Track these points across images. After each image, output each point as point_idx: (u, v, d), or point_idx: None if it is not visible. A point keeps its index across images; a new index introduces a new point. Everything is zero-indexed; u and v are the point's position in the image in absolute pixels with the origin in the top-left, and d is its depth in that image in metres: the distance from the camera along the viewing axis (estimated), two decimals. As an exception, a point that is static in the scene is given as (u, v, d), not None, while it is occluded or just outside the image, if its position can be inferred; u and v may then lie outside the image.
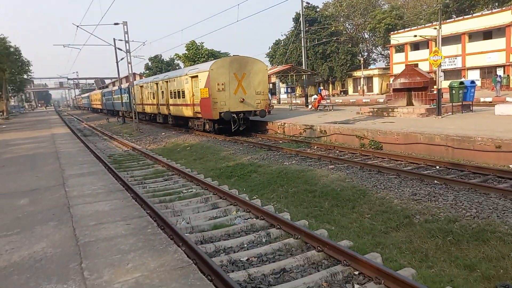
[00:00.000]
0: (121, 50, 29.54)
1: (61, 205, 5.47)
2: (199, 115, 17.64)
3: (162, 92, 22.51)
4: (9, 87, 53.25)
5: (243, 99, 16.55)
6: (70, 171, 8.13)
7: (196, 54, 37.40)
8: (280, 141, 15.46)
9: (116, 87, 30.95)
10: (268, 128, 18.37)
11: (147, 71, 56.16)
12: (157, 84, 23.55)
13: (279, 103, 32.34)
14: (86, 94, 74.88)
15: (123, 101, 34.65)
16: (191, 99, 17.97)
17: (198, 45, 38.30)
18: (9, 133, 20.49)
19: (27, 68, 49.25)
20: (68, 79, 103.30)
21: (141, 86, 28.31)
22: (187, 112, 19.14)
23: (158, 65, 53.60)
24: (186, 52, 37.87)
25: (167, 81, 21.71)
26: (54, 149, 12.14)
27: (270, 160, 11.69)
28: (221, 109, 16.39)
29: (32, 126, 25.53)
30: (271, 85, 33.99)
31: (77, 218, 4.80)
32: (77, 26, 26.95)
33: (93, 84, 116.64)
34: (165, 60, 55.51)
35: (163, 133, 22.11)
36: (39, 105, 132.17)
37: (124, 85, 32.43)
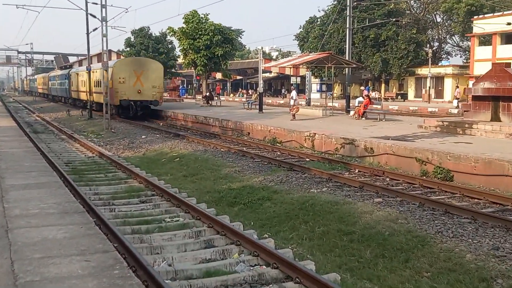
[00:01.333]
0: (94, 17, 30.17)
1: (-4, 227, 5.52)
2: (108, 100, 27.09)
3: (84, 81, 34.04)
4: None
5: (140, 90, 28.89)
6: (12, 180, 8.24)
7: (197, 29, 37.79)
8: (307, 159, 15.48)
9: (93, 66, 35.38)
10: (290, 140, 18.51)
11: (128, 49, 56.83)
12: (79, 74, 35.87)
13: (309, 105, 32.36)
14: (36, 76, 79.44)
15: (64, 87, 46.99)
16: (104, 89, 27.33)
17: (201, 18, 38.73)
18: None
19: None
20: (19, 52, 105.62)
21: (77, 74, 40.21)
22: (98, 98, 30.77)
23: (143, 41, 54.16)
24: (184, 25, 38.31)
25: (93, 71, 33.40)
26: (-8, 148, 12.34)
27: (291, 184, 11.69)
28: (121, 97, 28.95)
29: (-35, 114, 26.09)
30: (298, 79, 34.18)
31: (17, 247, 4.82)
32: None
33: (52, 61, 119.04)
34: (153, 34, 56.21)
35: (143, 136, 22.39)
36: None
37: (96, 65, 34.35)
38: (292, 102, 24.90)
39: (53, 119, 33.38)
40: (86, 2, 31.54)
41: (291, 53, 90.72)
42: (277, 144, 18.81)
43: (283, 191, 10.90)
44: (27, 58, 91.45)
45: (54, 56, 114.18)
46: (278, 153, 16.93)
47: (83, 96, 37.35)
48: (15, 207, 6.47)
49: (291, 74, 40.96)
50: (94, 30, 34.85)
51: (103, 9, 26.12)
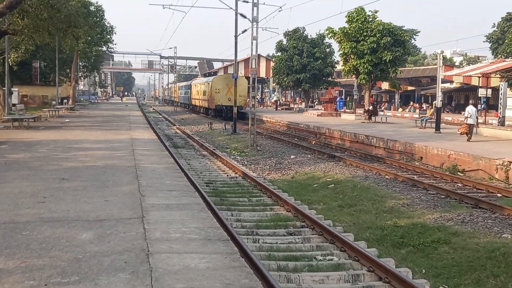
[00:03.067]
0: (245, 17, 31.98)
1: (137, 250, 6.13)
2: (207, 105, 50.50)
3: (199, 90, 56.06)
4: (80, 64, 62.16)
5: (230, 98, 42.06)
6: (153, 199, 9.06)
7: (361, 29, 37.77)
8: (499, 194, 14.61)
9: (201, 80, 55.97)
10: (475, 168, 17.58)
11: (279, 53, 59.02)
12: (196, 85, 58.90)
13: (503, 124, 30.40)
14: (171, 85, 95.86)
15: (187, 95, 69.62)
16: (207, 96, 48.75)
17: (368, 16, 38.69)
18: (73, 131, 23.90)
19: (108, 37, 56.75)
20: (162, 57, 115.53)
21: (195, 85, 62.08)
22: (205, 104, 53.11)
23: (297, 45, 55.76)
24: (346, 25, 38.59)
25: (201, 84, 55.82)
26: (133, 162, 13.71)
27: (477, 225, 11.13)
28: (217, 103, 47.88)
29: (105, 124, 29.27)
30: (488, 91, 32.30)
31: (158, 274, 5.30)
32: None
33: (196, 67, 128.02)
34: (309, 36, 57.59)
35: (292, 156, 22.98)
36: (115, 93, 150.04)
37: (199, 79, 48.62)
38: (468, 120, 24.01)
39: (194, 132, 35.83)
40: (236, 1, 33.50)
41: (480, 58, 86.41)
42: (459, 173, 17.99)
43: (465, 234, 10.40)
44: (169, 63, 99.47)
45: (198, 61, 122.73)
46: (460, 184, 16.20)
47: (198, 103, 60.56)
48: (156, 229, 7.10)
49: (479, 85, 38.88)
50: (243, 32, 37.03)
51: (255, 8, 27.48)
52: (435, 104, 31.45)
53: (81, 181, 10.62)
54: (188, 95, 68.41)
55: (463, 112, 28.31)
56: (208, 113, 53.43)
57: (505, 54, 49.91)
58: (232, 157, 23.27)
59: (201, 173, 18.00)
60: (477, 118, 25.30)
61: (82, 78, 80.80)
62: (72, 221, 7.43)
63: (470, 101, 29.12)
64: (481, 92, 32.84)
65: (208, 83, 50.85)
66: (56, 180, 10.67)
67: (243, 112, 45.28)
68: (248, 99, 43.12)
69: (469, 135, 23.79)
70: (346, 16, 39.09)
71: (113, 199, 8.99)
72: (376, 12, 39.39)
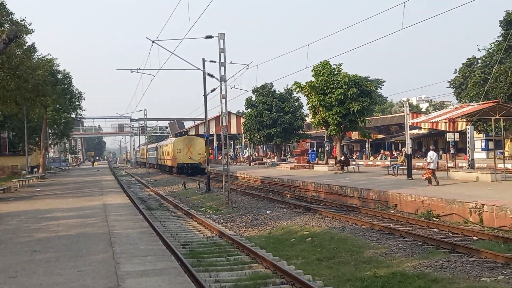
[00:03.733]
0: (213, 77, 32.38)
1: (113, 321, 5.96)
2: (171, 164, 57.46)
3: (164, 151, 62.82)
4: (50, 131, 61.80)
5: (190, 157, 54.80)
6: (128, 266, 8.88)
7: (328, 82, 38.46)
8: (474, 237, 14.68)
9: (166, 142, 63.96)
10: (449, 212, 17.71)
11: (249, 109, 59.58)
12: (161, 146, 66.80)
13: (472, 167, 30.85)
14: (140, 147, 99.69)
15: (154, 156, 76.22)
16: (170, 156, 56.73)
17: (333, 69, 39.48)
18: (44, 200, 23.51)
19: (77, 103, 56.76)
20: (132, 120, 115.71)
21: (161, 146, 68.29)
22: (169, 163, 59.50)
23: (266, 100, 56.47)
24: (313, 79, 39.26)
25: (164, 146, 64.04)
26: (106, 229, 13.49)
27: (455, 270, 11.12)
28: (178, 161, 55.23)
29: (77, 191, 28.87)
30: (455, 135, 32.96)
31: None
32: (152, 42, 30.66)
33: (167, 128, 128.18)
34: (277, 91, 58.42)
35: (268, 211, 22.90)
36: (86, 158, 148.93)
37: (166, 141, 62.62)
38: (430, 165, 24.63)
39: (168, 193, 35.56)
40: (204, 62, 34.02)
41: (445, 103, 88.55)
42: (434, 218, 18.10)
43: (445, 280, 10.36)
44: (140, 125, 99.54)
45: (169, 122, 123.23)
46: (436, 230, 16.26)
47: (163, 162, 66.42)
48: (132, 297, 6.93)
49: (447, 129, 39.69)
50: (212, 91, 37.37)
51: (222, 68, 27.80)
52: (405, 150, 31.89)
53: (53, 252, 10.39)
54: (155, 156, 75.54)
55: (425, 158, 28.83)
56: (172, 171, 60.19)
57: (468, 99, 51.14)
58: (207, 216, 23.08)
59: (176, 234, 17.78)
60: (437, 162, 25.72)
61: (52, 145, 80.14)
62: (45, 294, 7.23)
63: (431, 147, 29.97)
64: (449, 137, 33.41)
65: (171, 144, 59.01)
66: (28, 253, 10.43)
67: (202, 168, 51.09)
68: (205, 156, 47.65)
69: (435, 179, 24.26)
70: (312, 71, 39.85)
71: (87, 268, 8.79)
72: (340, 65, 40.32)
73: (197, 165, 55.26)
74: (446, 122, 32.30)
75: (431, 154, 25.05)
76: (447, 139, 35.40)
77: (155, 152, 75.27)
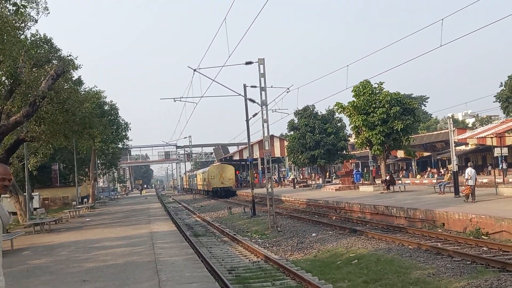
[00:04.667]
0: (254, 102, 32.68)
1: None
2: (207, 188, 68.90)
3: (201, 178, 75.89)
4: (98, 162, 63.19)
5: (223, 182, 64.79)
6: (173, 294, 8.98)
7: (370, 101, 38.24)
8: (526, 255, 14.25)
9: (202, 170, 76.39)
10: (499, 230, 17.27)
11: (292, 132, 59.71)
12: (199, 174, 79.46)
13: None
14: (183, 174, 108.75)
15: (194, 182, 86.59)
16: (206, 182, 67.77)
17: (374, 88, 39.25)
18: (93, 230, 24.02)
19: (124, 133, 57.94)
20: (178, 147, 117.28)
21: (197, 174, 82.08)
22: (205, 187, 71.32)
23: (308, 122, 56.49)
24: (354, 99, 39.13)
25: (201, 173, 76.68)
26: (152, 257, 13.70)
27: (506, 291, 10.82)
28: (213, 186, 65.21)
29: (125, 220, 29.38)
30: (504, 150, 32.18)
31: None
32: (194, 70, 31.17)
33: (211, 154, 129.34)
34: (319, 113, 58.42)
35: (313, 234, 22.80)
36: (135, 187, 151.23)
37: (201, 170, 71.08)
38: (469, 182, 24.55)
39: (214, 219, 35.78)
40: (245, 87, 34.37)
41: (492, 118, 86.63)
42: (482, 236, 17.69)
43: (495, 300, 10.12)
44: (185, 152, 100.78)
45: (213, 147, 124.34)
46: (485, 248, 15.90)
47: (200, 187, 78.57)
48: (177, 325, 7.04)
49: (494, 144, 38.81)
50: (254, 115, 37.72)
51: (263, 92, 28.02)
52: (451, 168, 31.30)
53: (102, 281, 10.62)
54: (194, 182, 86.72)
55: (463, 175, 28.48)
56: (208, 194, 70.14)
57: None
58: (253, 240, 23.12)
59: (223, 260, 17.88)
60: (476, 179, 25.59)
61: (101, 175, 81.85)
62: (93, 324, 7.40)
63: (469, 164, 30.06)
64: (497, 152, 32.73)
65: (206, 172, 70.15)
66: (78, 283, 10.69)
67: (233, 190, 65.96)
68: (234, 181, 70.33)
69: (473, 196, 24.17)
70: (352, 91, 39.73)
71: (134, 297, 8.96)
72: (381, 83, 40.05)
73: (228, 188, 65.21)
74: (493, 137, 31.54)
75: (469, 171, 24.88)
76: (495, 155, 34.65)
77: (195, 178, 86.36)
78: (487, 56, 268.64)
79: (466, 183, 24.90)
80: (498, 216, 17.94)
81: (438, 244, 17.19)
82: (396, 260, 15.15)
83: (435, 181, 42.24)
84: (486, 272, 12.61)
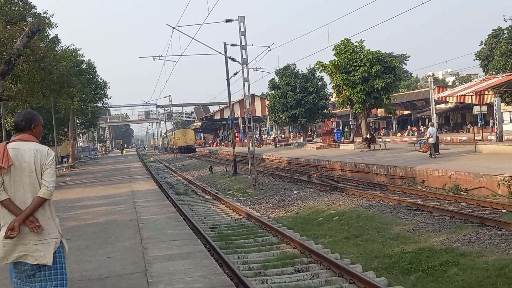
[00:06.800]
0: (234, 60, 32.35)
1: (140, 304, 6.05)
2: (175, 146, 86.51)
3: (171, 138, 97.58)
4: (77, 121, 62.54)
5: (186, 141, 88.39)
6: (155, 251, 9.00)
7: (351, 60, 38.09)
8: (503, 210, 14.50)
9: (170, 133, 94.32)
10: (477, 186, 17.50)
11: (273, 91, 59.42)
12: (170, 135, 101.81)
13: (500, 140, 30.33)
14: (163, 134, 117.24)
15: (166, 141, 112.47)
16: (175, 141, 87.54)
17: (355, 46, 39.07)
18: (74, 189, 23.87)
19: (102, 92, 57.24)
20: (158, 106, 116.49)
21: (168, 136, 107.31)
22: (174, 145, 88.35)
23: (289, 81, 56.25)
24: (335, 58, 38.94)
25: (171, 135, 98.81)
26: (134, 215, 13.68)
27: (484, 244, 11.00)
28: (178, 144, 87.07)
29: (106, 179, 29.24)
30: (483, 108, 32.45)
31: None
32: (173, 28, 30.66)
33: (192, 113, 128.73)
34: (300, 72, 58.10)
35: (295, 192, 22.91)
36: (115, 146, 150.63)
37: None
38: (430, 140, 26.74)
39: (195, 177, 35.81)
40: (225, 45, 33.97)
41: (472, 76, 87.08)
42: (462, 192, 17.92)
43: (473, 254, 10.28)
44: (166, 112, 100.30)
45: (194, 107, 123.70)
46: (464, 204, 16.10)
47: (171, 146, 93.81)
48: (159, 281, 7.06)
49: (473, 102, 39.06)
50: (234, 74, 37.38)
51: (243, 51, 27.74)
52: (431, 125, 31.54)
53: (83, 240, 10.57)
54: (166, 141, 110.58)
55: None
56: (173, 151, 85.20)
57: (495, 70, 50.30)
58: (235, 198, 23.21)
59: (205, 218, 17.92)
60: (437, 137, 27.71)
61: (80, 135, 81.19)
62: (75, 281, 7.35)
63: (430, 123, 32.49)
64: (476, 110, 32.91)
65: (173, 134, 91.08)
66: (58, 241, 10.62)
67: (193, 148, 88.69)
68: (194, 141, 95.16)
69: (432, 153, 26.14)
70: (333, 49, 39.52)
71: (116, 255, 8.94)
72: (362, 42, 39.85)
73: (190, 146, 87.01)
74: (472, 95, 31.64)
75: (430, 130, 27.00)
76: (474, 112, 34.87)
77: (167, 139, 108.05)
78: (467, 15, 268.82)
79: (427, 141, 27.03)
80: (477, 172, 18.13)
81: (418, 200, 17.37)
82: (377, 217, 15.28)
83: (415, 139, 42.61)
84: (465, 227, 12.78)
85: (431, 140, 26.52)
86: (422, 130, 56.08)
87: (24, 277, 4.93)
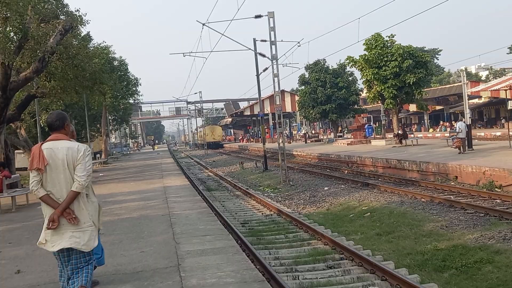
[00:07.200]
0: (264, 56, 32.35)
1: (174, 299, 6.12)
2: (204, 142, 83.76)
3: (200, 135, 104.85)
4: (109, 118, 63.32)
5: (214, 138, 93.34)
6: (188, 246, 9.08)
7: (381, 55, 37.73)
8: (539, 207, 14.20)
9: (200, 129, 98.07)
10: (509, 184, 17.19)
11: (303, 87, 59.23)
12: (199, 132, 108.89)
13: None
14: (201, 129, 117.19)
15: (195, 138, 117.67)
16: (204, 137, 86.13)
17: (386, 41, 38.69)
18: (107, 185, 24.20)
19: (134, 89, 57.83)
20: (188, 102, 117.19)
21: (197, 132, 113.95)
22: (203, 142, 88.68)
23: (319, 77, 55.98)
24: (366, 53, 38.62)
25: (200, 131, 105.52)
26: (166, 210, 13.81)
27: (520, 242, 10.81)
28: (207, 140, 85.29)
29: (138, 175, 29.56)
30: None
31: (196, 322, 5.28)
32: (203, 24, 30.82)
33: (222, 109, 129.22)
34: (330, 67, 57.78)
35: (325, 188, 22.85)
36: (147, 143, 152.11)
37: (200, 129, 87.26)
38: (459, 135, 26.50)
39: (226, 173, 35.96)
40: (255, 41, 33.99)
41: (505, 70, 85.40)
42: (496, 189, 17.64)
43: (508, 251, 10.13)
44: (196, 108, 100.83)
45: (224, 103, 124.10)
46: (498, 200, 15.86)
47: (199, 142, 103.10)
48: (192, 276, 7.12)
49: (508, 97, 38.34)
50: (264, 70, 37.36)
51: (273, 46, 27.71)
52: (464, 121, 31.06)
53: (117, 235, 10.72)
54: (196, 137, 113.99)
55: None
56: (203, 147, 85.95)
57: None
58: (265, 194, 23.25)
59: (236, 214, 18.00)
60: (467, 132, 27.21)
61: (112, 131, 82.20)
62: (110, 275, 7.49)
63: (460, 118, 31.89)
64: (511, 105, 32.30)
65: (202, 130, 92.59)
66: (93, 236, 10.79)
67: (221, 144, 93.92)
68: (222, 137, 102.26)
69: (462, 149, 25.84)
70: (364, 44, 39.21)
71: (149, 249, 9.05)
72: (393, 36, 39.46)
73: (218, 142, 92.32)
74: (507, 90, 31.05)
75: (460, 125, 26.83)
76: (509, 107, 34.25)
77: (196, 135, 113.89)
78: (501, 7, 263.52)
79: (457, 136, 26.56)
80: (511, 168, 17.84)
81: (451, 197, 17.17)
82: (409, 213, 15.17)
83: (447, 134, 42.06)
84: (500, 224, 12.60)
85: (460, 135, 26.31)
86: (455, 126, 55.25)
87: (62, 263, 5.65)
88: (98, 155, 54.86)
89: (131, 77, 56.25)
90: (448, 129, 53.57)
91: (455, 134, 27.43)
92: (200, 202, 15.53)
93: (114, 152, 77.30)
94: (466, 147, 27.65)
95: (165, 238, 10.00)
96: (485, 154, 24.04)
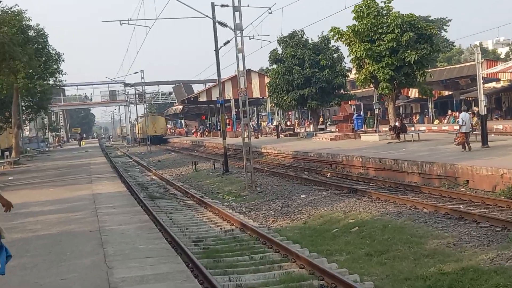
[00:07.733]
0: (225, 26, 32.24)
1: None
2: (143, 136, 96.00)
3: (139, 127, 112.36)
4: (23, 104, 62.38)
5: (155, 131, 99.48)
6: (123, 271, 9.00)
7: (375, 25, 37.83)
8: None
9: (139, 120, 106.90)
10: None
11: (275, 65, 59.11)
12: (137, 124, 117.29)
13: None
14: (142, 119, 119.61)
15: (134, 131, 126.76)
16: (142, 130, 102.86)
17: (381, 8, 38.87)
18: (19, 192, 23.90)
19: (55, 67, 57.08)
20: (126, 85, 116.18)
21: (137, 124, 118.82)
22: (141, 135, 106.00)
23: (296, 52, 55.80)
24: (355, 22, 38.72)
25: (139, 123, 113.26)
26: (95, 225, 13.69)
27: (544, 263, 11.03)
28: (147, 134, 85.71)
29: (60, 179, 29.30)
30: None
31: None
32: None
33: (170, 94, 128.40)
34: (310, 41, 57.78)
35: (302, 195, 22.96)
36: (71, 137, 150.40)
37: (140, 119, 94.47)
38: (462, 129, 26.45)
39: (175, 177, 35.91)
40: (213, 6, 33.90)
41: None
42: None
43: (531, 275, 10.32)
44: (136, 92, 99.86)
45: (173, 86, 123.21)
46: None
47: (138, 136, 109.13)
48: (128, 311, 7.06)
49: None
50: (225, 44, 37.38)
51: (237, 13, 27.59)
52: (477, 110, 31.51)
53: (30, 257, 10.59)
54: (134, 131, 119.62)
55: (457, 120, 29.67)
56: (142, 141, 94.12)
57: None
58: (225, 204, 23.29)
59: (186, 229, 17.93)
60: (471, 124, 27.67)
61: (26, 122, 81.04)
62: (19, 310, 7.39)
63: (462, 108, 32.04)
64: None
65: (141, 123, 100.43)
66: (-2, 258, 10.62)
67: (164, 138, 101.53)
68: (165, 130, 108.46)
69: (468, 145, 25.85)
70: (353, 12, 39.24)
71: (72, 276, 8.95)
72: (390, 2, 39.56)
73: (160, 136, 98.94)
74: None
75: (463, 116, 26.69)
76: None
77: (135, 128, 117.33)
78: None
79: (460, 130, 26.62)
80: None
81: (461, 206, 17.42)
82: (407, 227, 15.33)
83: (457, 127, 42.65)
84: (518, 240, 12.84)
85: (463, 129, 26.40)
86: (458, 118, 56.00)
87: None
88: (6, 153, 54.06)
89: (51, 51, 55.49)
90: (457, 120, 54.34)
91: (459, 127, 27.39)
92: (140, 214, 15.47)
93: (29, 149, 76.18)
94: (481, 143, 28.06)
95: (94, 260, 9.90)
96: (503, 152, 24.42)
